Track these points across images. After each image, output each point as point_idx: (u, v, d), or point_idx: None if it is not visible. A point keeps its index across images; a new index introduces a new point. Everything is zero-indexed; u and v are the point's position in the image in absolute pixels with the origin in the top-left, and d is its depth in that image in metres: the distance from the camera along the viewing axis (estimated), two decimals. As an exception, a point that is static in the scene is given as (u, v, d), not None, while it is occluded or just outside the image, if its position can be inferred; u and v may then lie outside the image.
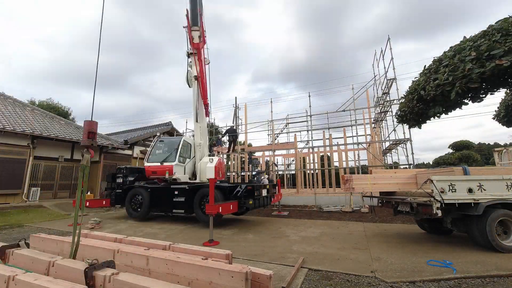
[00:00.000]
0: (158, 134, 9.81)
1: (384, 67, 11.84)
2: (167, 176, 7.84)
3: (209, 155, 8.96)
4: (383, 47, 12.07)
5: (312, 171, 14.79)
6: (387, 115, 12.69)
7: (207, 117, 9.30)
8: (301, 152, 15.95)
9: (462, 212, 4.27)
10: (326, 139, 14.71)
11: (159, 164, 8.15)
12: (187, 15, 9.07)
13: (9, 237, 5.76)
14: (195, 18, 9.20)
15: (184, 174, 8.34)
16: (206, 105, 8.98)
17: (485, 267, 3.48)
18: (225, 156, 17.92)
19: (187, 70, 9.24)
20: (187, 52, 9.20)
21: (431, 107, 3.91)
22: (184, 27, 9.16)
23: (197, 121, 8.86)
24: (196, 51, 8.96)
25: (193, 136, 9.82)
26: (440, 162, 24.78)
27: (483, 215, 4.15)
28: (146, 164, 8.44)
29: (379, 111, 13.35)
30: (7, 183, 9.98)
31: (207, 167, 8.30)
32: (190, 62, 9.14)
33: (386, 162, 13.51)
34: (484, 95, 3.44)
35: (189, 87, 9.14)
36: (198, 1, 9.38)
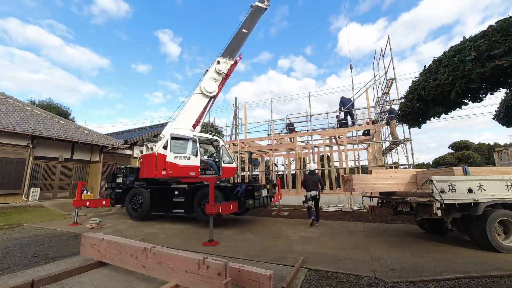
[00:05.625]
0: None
1: (384, 67, 11.85)
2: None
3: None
4: (383, 47, 12.07)
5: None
6: (387, 115, 12.68)
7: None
8: (301, 152, 15.95)
9: (462, 212, 4.28)
10: (326, 139, 14.70)
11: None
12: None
13: (9, 237, 5.75)
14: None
15: None
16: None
17: (485, 267, 3.48)
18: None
19: (208, 78, 9.05)
20: (217, 70, 9.12)
21: (431, 107, 3.90)
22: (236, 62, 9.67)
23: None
24: (225, 76, 9.26)
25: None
26: (440, 162, 24.79)
27: (483, 215, 4.16)
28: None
29: (379, 111, 13.34)
30: (7, 183, 9.97)
31: None
32: (215, 79, 9.10)
33: (386, 162, 13.50)
34: (484, 95, 3.43)
35: (200, 93, 8.91)
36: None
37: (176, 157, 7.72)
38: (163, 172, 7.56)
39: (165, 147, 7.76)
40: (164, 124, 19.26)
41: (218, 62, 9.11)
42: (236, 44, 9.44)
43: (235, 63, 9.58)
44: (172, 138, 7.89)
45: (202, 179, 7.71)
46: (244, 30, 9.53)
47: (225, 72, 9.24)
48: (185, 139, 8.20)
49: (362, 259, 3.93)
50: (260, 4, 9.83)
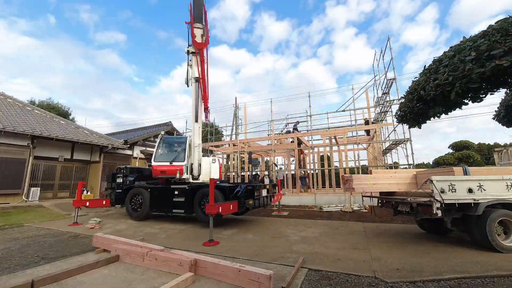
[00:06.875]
0: (162, 132, 9.48)
1: (384, 67, 11.85)
2: (177, 176, 7.69)
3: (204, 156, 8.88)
4: (383, 47, 12.07)
5: (312, 171, 14.79)
6: (387, 115, 12.70)
7: (206, 120, 9.03)
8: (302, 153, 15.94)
9: (462, 212, 4.28)
10: (326, 139, 14.70)
11: (168, 163, 7.97)
12: (190, 10, 8.49)
13: (9, 237, 5.75)
14: (199, 13, 8.63)
15: (187, 174, 8.34)
16: (206, 109, 8.63)
17: (485, 267, 3.48)
18: (225, 156, 17.95)
19: (187, 69, 8.67)
20: (187, 50, 8.62)
21: (431, 107, 3.89)
22: (186, 22, 8.54)
23: (196, 121, 8.46)
24: (198, 50, 8.44)
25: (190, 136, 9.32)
26: (440, 162, 24.78)
27: (483, 215, 4.16)
28: (154, 163, 8.14)
29: (379, 111, 13.35)
30: (7, 183, 9.97)
31: (212, 167, 8.39)
32: (191, 61, 8.60)
33: (386, 162, 13.50)
34: (484, 95, 3.43)
35: (187, 86, 8.75)
36: None
37: None
38: None
39: None
40: (164, 124, 19.33)
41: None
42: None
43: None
44: None
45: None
46: None
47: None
48: None
49: (362, 259, 3.93)
50: None
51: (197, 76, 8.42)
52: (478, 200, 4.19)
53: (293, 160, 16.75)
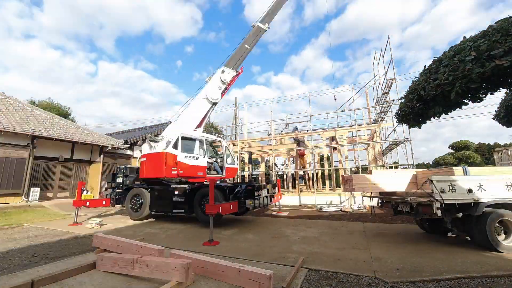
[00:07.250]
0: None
1: (384, 67, 11.85)
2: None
3: None
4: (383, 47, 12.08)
5: (312, 171, 14.79)
6: (387, 115, 12.69)
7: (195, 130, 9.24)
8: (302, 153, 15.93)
9: (462, 212, 4.28)
10: (326, 139, 14.70)
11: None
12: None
13: (9, 237, 5.75)
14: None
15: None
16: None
17: (485, 267, 3.48)
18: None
19: (213, 85, 9.12)
20: (222, 79, 9.20)
21: (431, 107, 3.89)
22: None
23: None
24: (228, 84, 9.39)
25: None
26: (440, 162, 24.79)
27: (483, 215, 4.16)
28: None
29: (379, 111, 13.34)
30: (7, 183, 9.97)
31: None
32: (219, 87, 9.20)
33: (386, 162, 13.49)
34: (484, 95, 3.43)
35: (204, 98, 9.02)
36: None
37: (186, 157, 7.81)
38: (173, 172, 7.57)
39: (175, 147, 7.74)
40: (164, 124, 19.32)
41: (223, 72, 9.34)
42: (239, 56, 9.82)
43: (238, 74, 9.91)
44: (182, 138, 7.97)
45: (207, 179, 7.78)
46: (246, 46, 9.96)
47: (228, 82, 9.54)
48: (193, 139, 8.40)
49: (362, 259, 3.93)
50: (261, 26, 10.23)
51: (217, 101, 9.17)
52: (478, 200, 4.19)
53: (293, 160, 16.75)
